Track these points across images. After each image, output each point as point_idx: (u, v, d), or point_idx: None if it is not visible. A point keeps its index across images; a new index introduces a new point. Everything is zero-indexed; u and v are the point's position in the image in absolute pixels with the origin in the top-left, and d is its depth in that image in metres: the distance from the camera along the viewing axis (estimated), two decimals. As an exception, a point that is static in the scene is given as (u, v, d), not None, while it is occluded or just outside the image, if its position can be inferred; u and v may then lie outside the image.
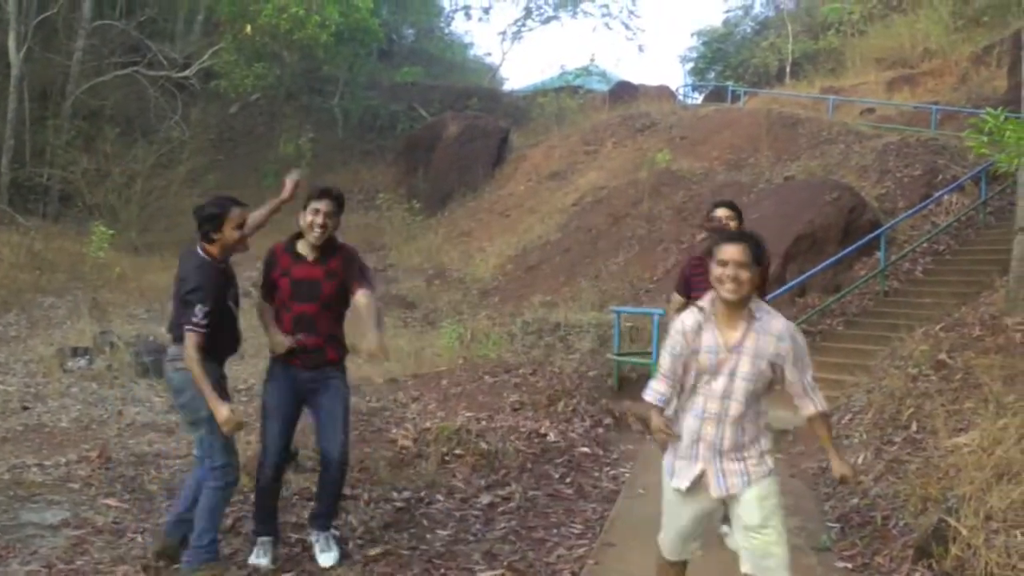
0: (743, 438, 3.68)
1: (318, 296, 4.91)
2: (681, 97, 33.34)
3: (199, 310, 4.43)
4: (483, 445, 7.39)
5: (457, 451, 7.28)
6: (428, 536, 5.54)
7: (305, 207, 4.92)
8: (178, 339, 4.54)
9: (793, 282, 11.86)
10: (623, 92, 30.73)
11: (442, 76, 37.71)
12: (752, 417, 3.69)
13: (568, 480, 7.16)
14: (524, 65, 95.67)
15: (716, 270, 3.58)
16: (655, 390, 3.80)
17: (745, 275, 3.53)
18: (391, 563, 5.05)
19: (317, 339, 4.92)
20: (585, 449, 8.05)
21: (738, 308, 3.61)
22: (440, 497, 6.34)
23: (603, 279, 15.30)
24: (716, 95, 30.84)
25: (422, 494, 6.30)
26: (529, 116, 30.96)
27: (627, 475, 7.38)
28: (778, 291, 11.11)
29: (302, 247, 4.96)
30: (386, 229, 22.59)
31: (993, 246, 12.57)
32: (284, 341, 4.85)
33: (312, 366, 4.93)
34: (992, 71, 21.83)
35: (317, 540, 5.06)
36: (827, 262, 12.20)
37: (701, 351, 3.64)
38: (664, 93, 31.30)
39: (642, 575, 5.00)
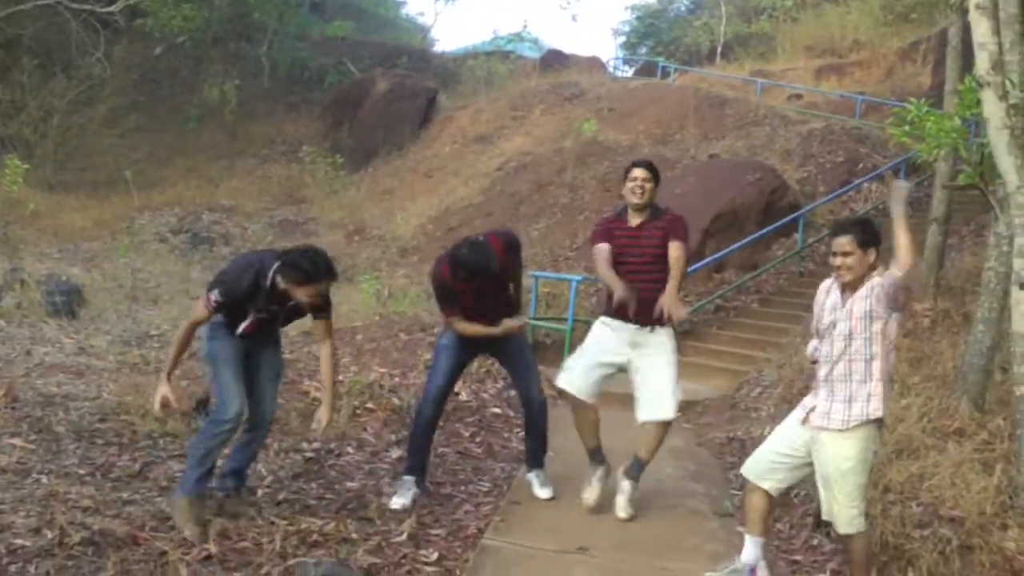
0: None
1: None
2: (611, 69, 33.42)
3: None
4: (395, 401, 7.34)
5: (369, 405, 7.21)
6: (336, 487, 5.49)
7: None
8: None
9: (711, 258, 12.00)
10: (554, 60, 30.63)
11: (373, 33, 37.08)
12: None
13: (478, 440, 7.16)
14: (456, 27, 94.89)
15: (832, 259, 4.21)
16: None
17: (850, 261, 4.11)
18: (299, 510, 4.99)
19: None
20: (496, 410, 8.03)
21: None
22: (350, 450, 6.29)
23: (523, 244, 15.26)
24: (647, 70, 30.93)
25: (332, 446, 6.23)
26: (458, 79, 30.67)
27: (537, 437, 7.39)
28: (696, 266, 11.24)
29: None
30: (308, 183, 22.21)
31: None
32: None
33: None
34: (917, 67, 22.29)
35: (537, 477, 5.76)
36: (746, 240, 12.37)
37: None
38: (595, 64, 31.33)
39: (546, 533, 5.04)
